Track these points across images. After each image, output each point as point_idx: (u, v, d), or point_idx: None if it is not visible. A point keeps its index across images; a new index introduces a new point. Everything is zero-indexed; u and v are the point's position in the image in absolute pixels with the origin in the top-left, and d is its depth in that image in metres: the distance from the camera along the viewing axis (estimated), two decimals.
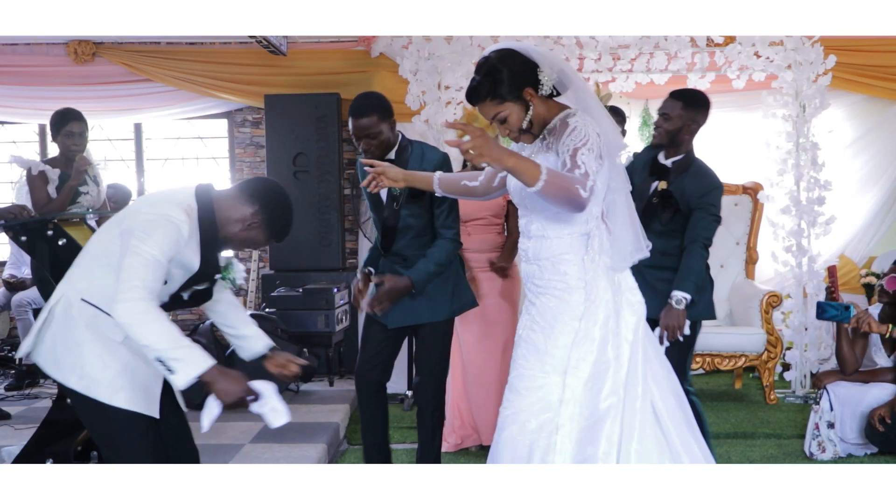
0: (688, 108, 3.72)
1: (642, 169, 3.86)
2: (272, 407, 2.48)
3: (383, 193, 3.65)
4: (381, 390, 3.80)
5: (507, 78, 2.58)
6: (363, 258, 6.32)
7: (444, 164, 3.62)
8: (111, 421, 2.61)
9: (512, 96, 2.59)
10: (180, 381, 2.44)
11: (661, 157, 3.83)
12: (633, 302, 2.70)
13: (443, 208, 3.64)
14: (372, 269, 3.76)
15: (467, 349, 4.68)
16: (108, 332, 2.58)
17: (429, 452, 3.83)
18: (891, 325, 4.16)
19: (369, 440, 3.83)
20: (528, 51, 2.63)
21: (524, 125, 2.65)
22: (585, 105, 2.65)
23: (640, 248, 2.75)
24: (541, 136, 2.70)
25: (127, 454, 2.63)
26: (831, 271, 4.48)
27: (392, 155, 3.59)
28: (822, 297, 5.71)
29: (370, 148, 3.54)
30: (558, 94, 2.70)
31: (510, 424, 2.63)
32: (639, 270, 3.68)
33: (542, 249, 2.68)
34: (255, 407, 2.48)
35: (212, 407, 2.53)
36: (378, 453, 3.82)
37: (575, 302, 2.62)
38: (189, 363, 2.44)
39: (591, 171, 2.48)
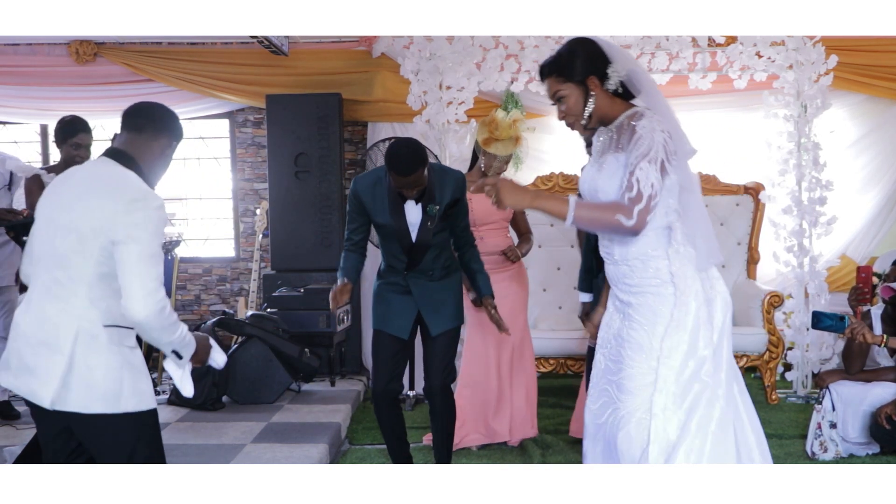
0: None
1: None
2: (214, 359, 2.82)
3: (412, 217, 3.75)
4: (398, 399, 4.03)
5: (575, 60, 2.64)
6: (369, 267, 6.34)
7: (463, 179, 3.85)
8: (143, 426, 2.61)
9: (575, 79, 2.64)
10: (185, 360, 2.67)
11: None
12: (722, 292, 2.72)
13: (465, 224, 3.94)
14: (347, 279, 3.84)
15: (477, 348, 4.71)
16: (125, 342, 2.58)
17: (443, 452, 4.01)
18: (885, 336, 4.17)
19: (393, 443, 4.04)
20: (605, 45, 2.67)
21: (584, 114, 2.67)
22: (656, 107, 2.65)
23: (716, 250, 2.73)
24: (608, 133, 2.71)
25: (155, 451, 2.66)
26: (864, 272, 4.45)
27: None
28: (823, 298, 5.71)
29: (416, 192, 3.69)
30: (630, 96, 2.70)
31: (626, 424, 2.65)
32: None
33: (629, 250, 2.68)
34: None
35: (183, 372, 2.75)
36: (402, 453, 4.06)
37: (668, 294, 2.65)
38: (191, 345, 2.65)
39: (645, 189, 2.51)
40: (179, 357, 2.62)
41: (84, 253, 2.50)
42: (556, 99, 2.70)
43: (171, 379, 5.47)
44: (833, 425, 4.41)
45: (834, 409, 4.42)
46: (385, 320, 3.91)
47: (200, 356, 2.72)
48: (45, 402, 2.49)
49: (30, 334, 2.56)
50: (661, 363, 2.62)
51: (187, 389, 2.73)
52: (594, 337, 3.10)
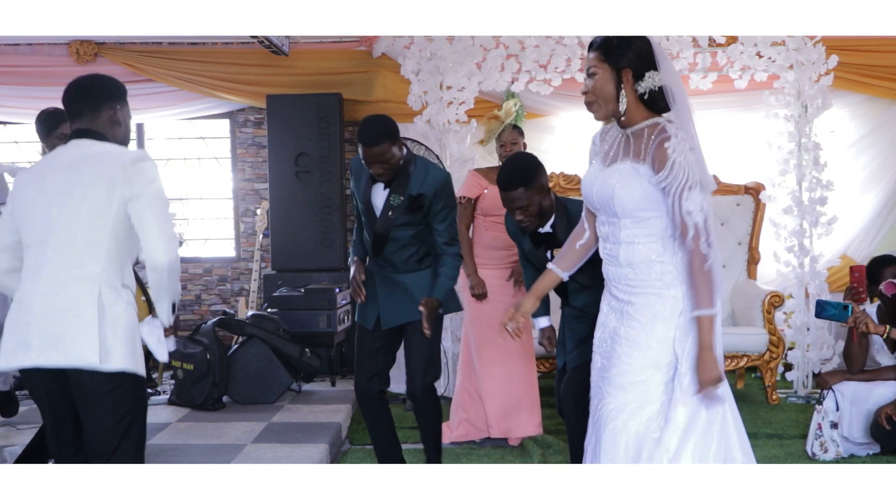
0: (530, 185, 3.48)
1: (526, 240, 3.71)
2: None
3: (378, 201, 3.69)
4: (382, 398, 3.89)
5: (622, 48, 2.66)
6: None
7: (443, 180, 3.69)
8: (142, 393, 2.73)
9: (612, 63, 2.66)
10: (172, 318, 2.79)
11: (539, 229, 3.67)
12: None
13: (443, 228, 3.71)
14: (357, 257, 3.85)
15: (477, 344, 4.72)
16: (134, 304, 2.68)
17: (432, 453, 3.90)
18: (888, 326, 4.16)
19: (380, 445, 3.93)
20: (658, 53, 2.69)
21: (618, 105, 2.68)
22: (683, 127, 2.66)
23: (721, 284, 2.73)
24: (622, 137, 2.73)
25: (144, 425, 2.75)
26: (857, 271, 4.43)
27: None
28: (824, 298, 5.71)
29: (383, 172, 3.60)
30: (655, 109, 2.70)
31: (614, 419, 2.68)
32: (566, 322, 3.69)
33: (634, 254, 2.70)
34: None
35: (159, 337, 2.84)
36: (391, 455, 3.93)
37: (673, 298, 2.66)
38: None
39: (698, 220, 2.58)
40: (174, 311, 2.74)
41: (99, 218, 2.60)
42: (589, 74, 2.72)
43: (171, 378, 5.52)
44: (834, 425, 4.41)
45: (838, 409, 4.40)
46: (359, 311, 3.87)
47: (176, 323, 2.86)
48: (94, 361, 2.53)
49: (48, 307, 2.58)
50: (677, 370, 2.64)
51: (162, 354, 2.82)
52: (517, 331, 3.02)
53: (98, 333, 2.54)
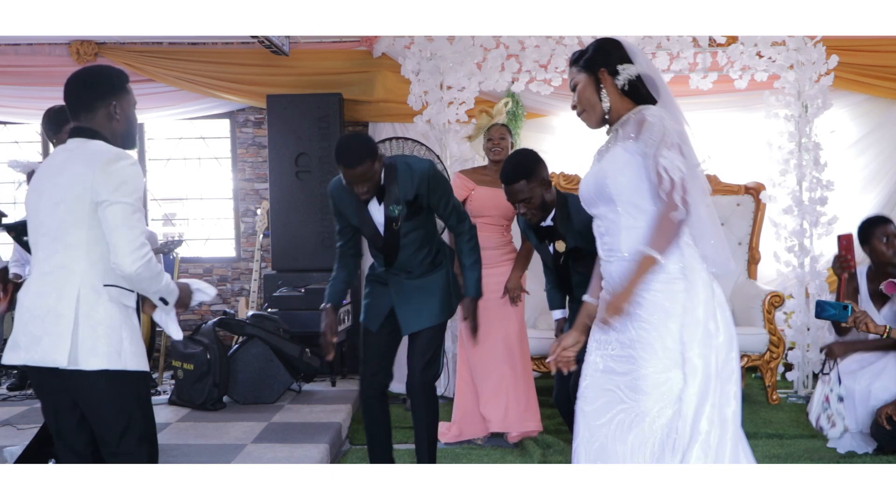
0: (531, 178, 3.66)
1: (532, 235, 3.92)
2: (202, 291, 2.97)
3: (378, 216, 3.67)
4: (385, 393, 3.91)
5: (593, 53, 2.74)
6: (365, 260, 6.34)
7: (430, 171, 3.65)
8: (141, 388, 2.71)
9: (588, 70, 2.74)
10: (171, 305, 2.80)
11: (542, 222, 3.82)
12: (719, 294, 2.72)
13: (448, 211, 3.74)
14: (331, 304, 3.87)
15: (472, 343, 4.73)
16: (125, 301, 2.67)
17: (424, 450, 3.87)
18: (888, 326, 4.16)
19: (375, 441, 3.92)
20: (629, 48, 2.75)
21: (601, 106, 2.72)
22: (673, 115, 2.68)
23: (728, 259, 2.71)
24: (613, 131, 2.75)
25: (149, 414, 2.76)
26: (845, 239, 4.40)
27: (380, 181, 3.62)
28: (824, 298, 5.71)
29: (367, 190, 3.54)
30: (640, 100, 2.72)
31: (639, 423, 2.63)
32: (572, 317, 3.75)
33: (638, 242, 2.64)
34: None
35: (169, 318, 2.87)
36: (382, 456, 3.92)
37: (681, 292, 2.63)
38: (175, 291, 2.77)
39: (674, 175, 2.54)
40: (165, 303, 2.75)
41: (75, 220, 2.60)
42: (573, 88, 2.78)
43: (171, 378, 5.52)
44: (840, 399, 4.36)
45: (840, 383, 4.37)
46: (365, 313, 3.89)
47: (184, 301, 2.85)
48: (62, 362, 2.55)
49: (35, 307, 2.63)
50: (686, 365, 2.61)
51: (175, 333, 2.85)
52: (563, 361, 2.90)
53: (73, 335, 2.56)
